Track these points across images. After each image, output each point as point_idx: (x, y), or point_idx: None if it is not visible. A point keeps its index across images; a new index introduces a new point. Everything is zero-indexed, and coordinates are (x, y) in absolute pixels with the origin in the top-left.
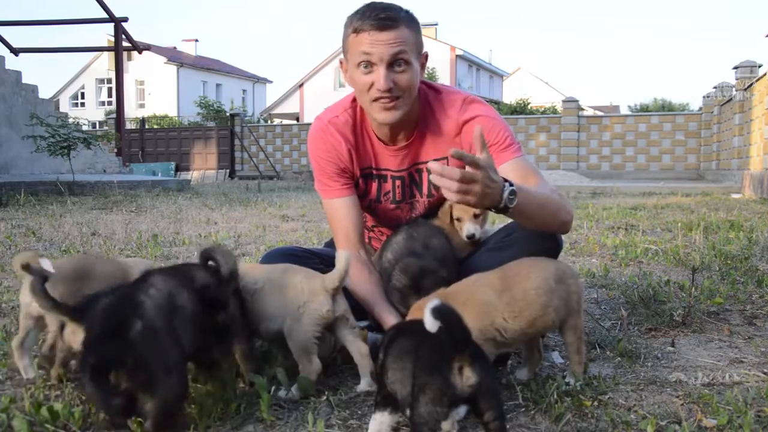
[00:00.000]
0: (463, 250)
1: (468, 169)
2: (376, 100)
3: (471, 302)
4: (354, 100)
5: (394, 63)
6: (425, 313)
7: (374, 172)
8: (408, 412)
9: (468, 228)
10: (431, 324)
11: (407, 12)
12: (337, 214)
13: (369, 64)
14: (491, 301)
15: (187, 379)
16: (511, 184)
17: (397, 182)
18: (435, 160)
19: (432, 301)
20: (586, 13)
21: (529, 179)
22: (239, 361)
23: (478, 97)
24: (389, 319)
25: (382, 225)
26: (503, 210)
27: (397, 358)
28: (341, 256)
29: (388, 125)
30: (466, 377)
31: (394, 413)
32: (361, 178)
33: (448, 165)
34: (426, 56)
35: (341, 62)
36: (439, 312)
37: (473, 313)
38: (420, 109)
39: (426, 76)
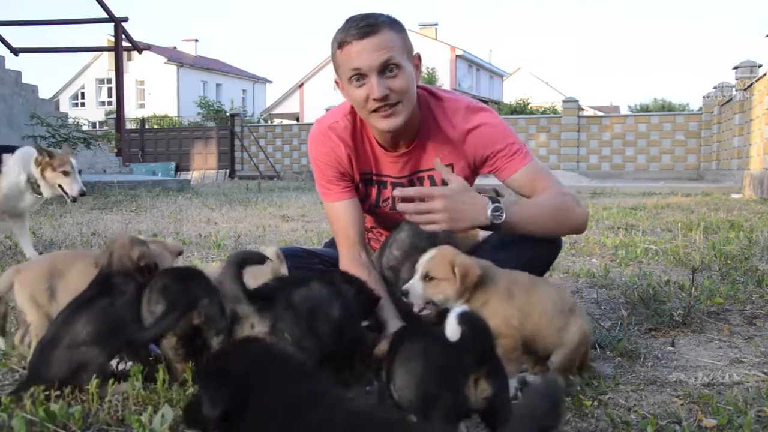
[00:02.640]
0: (464, 247)
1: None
2: (375, 111)
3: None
4: None
5: (385, 69)
6: (449, 318)
7: (374, 177)
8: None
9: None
10: (454, 332)
11: (388, 16)
12: (337, 217)
13: (360, 77)
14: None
15: None
16: (496, 201)
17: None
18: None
19: (460, 307)
20: (586, 13)
21: (538, 185)
22: None
23: (481, 103)
24: (388, 318)
25: (381, 227)
26: (492, 227)
27: (404, 361)
28: (270, 253)
29: (392, 132)
30: (482, 389)
31: None
32: (360, 183)
33: (453, 171)
34: (419, 57)
35: (336, 82)
36: (466, 319)
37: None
38: (421, 115)
39: (426, 76)
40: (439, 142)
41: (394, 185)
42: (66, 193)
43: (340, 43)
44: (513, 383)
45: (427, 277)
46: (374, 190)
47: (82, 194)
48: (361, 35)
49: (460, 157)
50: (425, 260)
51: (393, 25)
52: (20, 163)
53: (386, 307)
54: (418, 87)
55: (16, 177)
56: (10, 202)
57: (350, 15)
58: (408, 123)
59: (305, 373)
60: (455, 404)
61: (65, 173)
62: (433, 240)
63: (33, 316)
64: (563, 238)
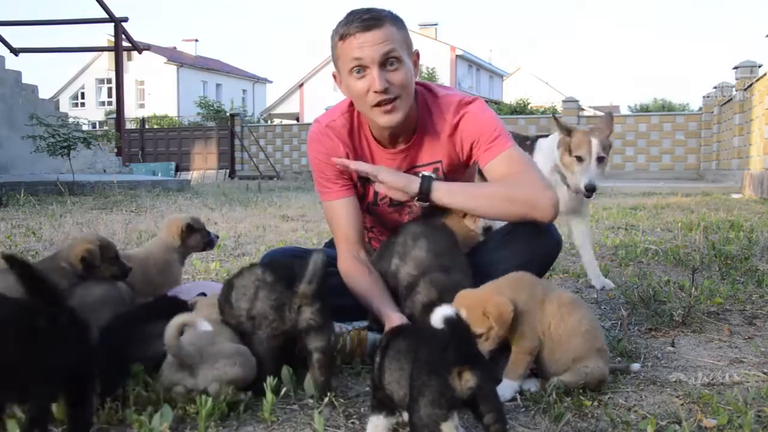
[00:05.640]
0: (465, 247)
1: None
2: (375, 105)
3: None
4: (351, 104)
5: (386, 62)
6: (434, 314)
7: None
8: (406, 413)
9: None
10: (437, 324)
11: (390, 11)
12: (336, 216)
13: (361, 69)
14: None
15: None
16: (429, 178)
17: None
18: (430, 163)
19: (444, 307)
20: (586, 13)
21: (511, 171)
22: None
23: (473, 96)
24: (391, 313)
25: (381, 226)
26: (425, 196)
27: (394, 358)
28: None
29: (390, 128)
30: (465, 380)
31: (391, 416)
32: (359, 181)
33: (441, 169)
34: (418, 54)
35: (334, 75)
36: (449, 322)
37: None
38: (418, 111)
39: (426, 76)
40: (434, 138)
41: None
42: (567, 186)
43: (342, 35)
44: (515, 386)
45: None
46: (372, 188)
47: (590, 189)
48: (364, 28)
49: (450, 151)
50: None
51: (395, 20)
52: (549, 149)
53: (388, 303)
54: (416, 83)
55: (545, 166)
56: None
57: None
58: (406, 119)
59: None
60: (441, 391)
61: (579, 159)
62: (453, 257)
63: None
64: (563, 238)
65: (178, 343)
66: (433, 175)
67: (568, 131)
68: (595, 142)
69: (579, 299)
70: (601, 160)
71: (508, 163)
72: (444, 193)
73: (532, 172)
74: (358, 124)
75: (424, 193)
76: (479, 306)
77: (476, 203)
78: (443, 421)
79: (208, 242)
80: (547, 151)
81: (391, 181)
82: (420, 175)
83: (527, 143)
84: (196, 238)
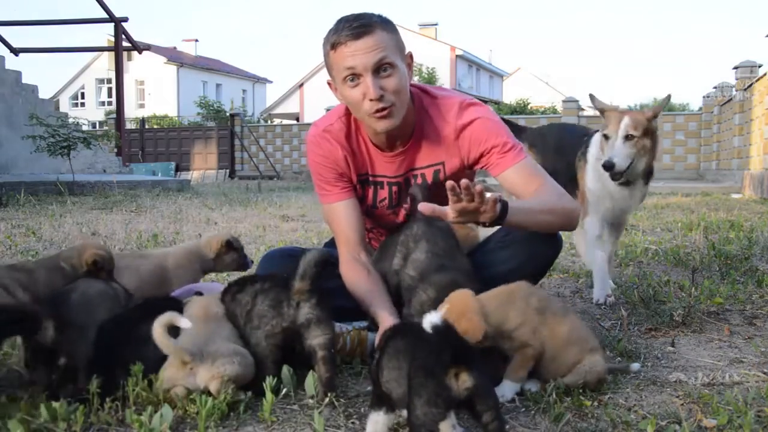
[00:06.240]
0: (465, 248)
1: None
2: (371, 113)
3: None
4: (348, 107)
5: (379, 69)
6: (424, 322)
7: (370, 178)
8: (404, 412)
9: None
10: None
11: (380, 16)
12: (336, 218)
13: (355, 77)
14: None
15: None
16: (506, 202)
17: (394, 188)
18: (430, 165)
19: (432, 314)
20: (586, 13)
21: (533, 182)
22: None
23: (475, 99)
24: (385, 315)
25: (381, 227)
26: (500, 217)
27: (393, 357)
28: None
29: (387, 133)
30: (462, 380)
31: (390, 412)
32: (358, 184)
33: (443, 170)
34: (411, 56)
35: (329, 83)
36: (435, 329)
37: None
38: (415, 114)
39: (426, 76)
40: (433, 141)
41: (391, 185)
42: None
43: (333, 44)
44: (515, 387)
45: None
46: (371, 191)
47: (607, 167)
48: (355, 36)
49: (453, 154)
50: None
51: (385, 25)
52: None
53: (383, 305)
54: (411, 86)
55: (596, 163)
56: (602, 202)
57: (342, 16)
58: (403, 123)
59: None
60: (437, 391)
61: (606, 137)
62: (454, 257)
63: None
64: (563, 238)
65: (170, 341)
66: (504, 197)
67: (602, 111)
68: (625, 120)
69: (565, 306)
70: (629, 138)
71: (525, 174)
72: (517, 213)
73: (555, 183)
74: (356, 128)
75: (501, 218)
76: (456, 314)
77: (534, 218)
78: (441, 420)
79: (242, 264)
80: (597, 143)
81: None
82: (498, 199)
83: (584, 139)
84: (232, 256)
